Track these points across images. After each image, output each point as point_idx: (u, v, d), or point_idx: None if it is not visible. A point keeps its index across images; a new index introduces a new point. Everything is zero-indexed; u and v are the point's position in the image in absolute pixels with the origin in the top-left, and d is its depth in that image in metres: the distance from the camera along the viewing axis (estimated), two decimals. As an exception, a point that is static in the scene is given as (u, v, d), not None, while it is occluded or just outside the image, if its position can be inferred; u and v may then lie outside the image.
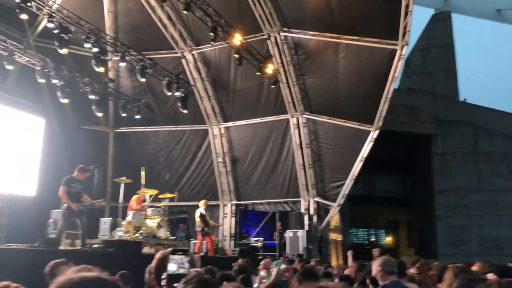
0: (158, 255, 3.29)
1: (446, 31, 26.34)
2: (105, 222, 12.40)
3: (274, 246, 15.22)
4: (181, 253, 2.47)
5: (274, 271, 4.04)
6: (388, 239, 31.07)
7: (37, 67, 12.67)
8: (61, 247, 8.52)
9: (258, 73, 13.48)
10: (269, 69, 13.44)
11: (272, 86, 14.10)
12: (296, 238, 14.22)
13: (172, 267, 2.39)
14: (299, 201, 15.25)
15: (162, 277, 2.47)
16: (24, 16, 10.36)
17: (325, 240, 15.87)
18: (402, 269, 4.36)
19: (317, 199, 15.03)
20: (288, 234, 14.42)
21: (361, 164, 13.93)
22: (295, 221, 14.79)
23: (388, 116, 13.60)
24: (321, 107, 14.46)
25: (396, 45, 12.24)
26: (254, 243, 15.18)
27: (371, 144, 13.63)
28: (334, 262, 15.32)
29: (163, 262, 2.50)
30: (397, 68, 12.57)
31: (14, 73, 13.08)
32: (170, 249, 2.51)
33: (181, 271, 2.30)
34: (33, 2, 10.60)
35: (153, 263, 3.25)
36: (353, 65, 13.31)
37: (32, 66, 12.80)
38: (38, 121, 14.04)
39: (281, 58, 14.08)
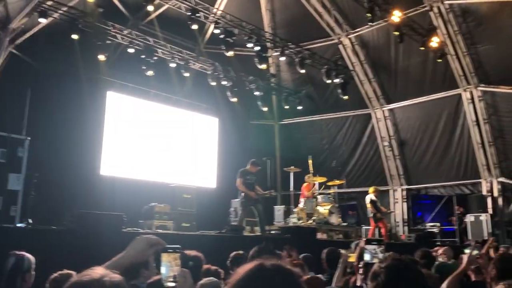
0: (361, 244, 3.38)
1: None
2: (278, 209, 13.07)
3: (452, 232, 14.18)
4: (375, 243, 2.46)
5: (464, 257, 3.75)
6: None
7: (208, 71, 13.94)
8: (244, 233, 9.29)
9: (422, 48, 12.63)
10: (434, 42, 12.47)
11: (439, 60, 13.06)
12: (479, 222, 13.00)
13: (366, 257, 2.41)
14: (479, 182, 13.87)
15: (359, 265, 2.52)
16: (194, 27, 11.46)
17: (514, 225, 14.18)
18: None
19: (501, 179, 13.48)
20: (469, 218, 13.27)
21: (555, 137, 12.08)
22: (476, 205, 13.55)
23: None
24: (499, 77, 12.87)
25: None
26: (430, 229, 14.34)
27: None
28: (527, 249, 13.60)
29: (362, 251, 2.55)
30: None
31: (190, 79, 14.62)
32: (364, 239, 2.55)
33: (375, 260, 2.29)
34: (201, 13, 11.66)
35: (356, 252, 3.35)
36: (537, 24, 11.57)
37: (204, 71, 14.12)
38: (213, 120, 15.50)
39: (447, 29, 12.94)
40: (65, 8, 10.80)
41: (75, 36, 10.71)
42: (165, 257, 1.66)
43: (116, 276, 1.48)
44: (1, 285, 3.35)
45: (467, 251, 3.95)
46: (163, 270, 1.64)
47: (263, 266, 1.24)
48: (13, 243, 3.70)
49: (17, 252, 3.55)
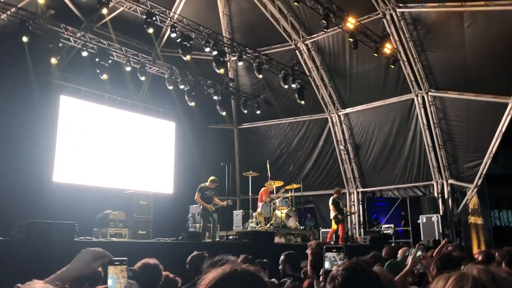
0: (313, 247, 3.31)
1: None
2: (237, 214, 13.06)
3: (407, 233, 14.64)
4: (334, 250, 2.45)
5: (409, 259, 3.88)
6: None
7: (166, 75, 13.77)
8: (203, 240, 9.24)
9: (376, 54, 13.00)
10: (387, 48, 12.87)
11: (392, 66, 13.49)
12: (431, 223, 13.48)
13: (326, 265, 2.40)
14: (431, 184, 14.39)
15: (320, 273, 2.48)
16: (150, 30, 11.30)
17: (463, 224, 14.82)
18: None
19: (451, 181, 14.05)
20: (422, 219, 13.73)
21: (499, 140, 12.70)
22: (428, 206, 14.03)
23: (529, 84, 12.16)
24: (448, 83, 13.44)
25: (533, 3, 10.88)
26: (385, 230, 14.74)
27: (510, 117, 12.35)
28: (475, 247, 14.23)
29: (318, 255, 2.54)
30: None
31: (146, 83, 14.39)
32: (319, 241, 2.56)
33: (334, 268, 2.29)
34: (157, 16, 11.51)
35: (309, 255, 3.30)
36: (481, 34, 12.12)
37: (161, 74, 13.95)
38: (169, 125, 15.30)
39: (399, 36, 13.39)
40: (13, 9, 10.38)
41: (25, 39, 10.32)
42: (111, 270, 1.64)
43: None
44: None
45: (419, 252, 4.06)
46: (109, 282, 1.62)
47: (236, 271, 1.23)
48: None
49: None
